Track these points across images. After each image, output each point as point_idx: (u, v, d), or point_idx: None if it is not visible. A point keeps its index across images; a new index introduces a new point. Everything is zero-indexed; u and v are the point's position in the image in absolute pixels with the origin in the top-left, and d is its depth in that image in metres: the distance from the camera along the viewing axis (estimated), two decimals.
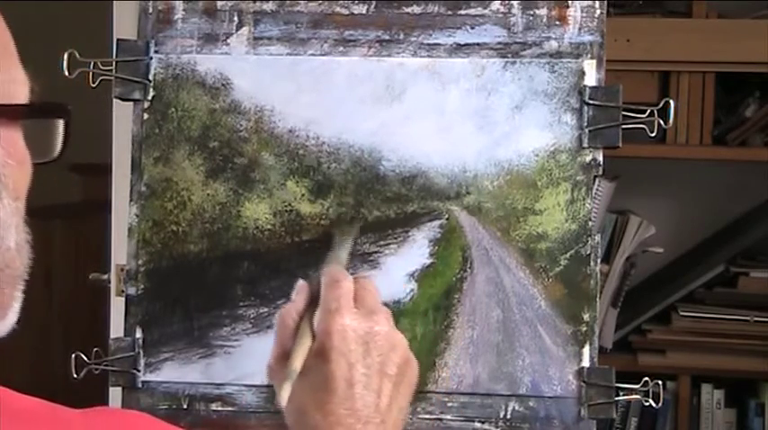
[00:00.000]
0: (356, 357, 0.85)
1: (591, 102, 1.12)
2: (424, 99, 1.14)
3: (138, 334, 1.14)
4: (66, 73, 1.10)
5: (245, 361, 1.12)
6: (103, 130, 2.00)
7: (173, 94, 1.16)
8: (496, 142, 1.13)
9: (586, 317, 1.11)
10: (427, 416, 1.11)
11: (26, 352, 3.59)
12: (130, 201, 1.15)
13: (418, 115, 1.14)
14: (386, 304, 1.12)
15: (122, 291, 1.29)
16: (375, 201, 1.13)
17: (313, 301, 0.91)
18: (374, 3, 1.16)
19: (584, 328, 1.11)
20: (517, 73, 1.14)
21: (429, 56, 1.15)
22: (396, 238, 1.13)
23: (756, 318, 2.03)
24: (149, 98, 1.16)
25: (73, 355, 1.12)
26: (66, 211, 3.91)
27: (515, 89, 1.13)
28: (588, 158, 1.12)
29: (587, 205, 1.12)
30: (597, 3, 1.14)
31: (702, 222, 2.23)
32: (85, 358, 1.13)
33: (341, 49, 1.15)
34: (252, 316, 1.12)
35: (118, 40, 1.18)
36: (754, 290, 2.08)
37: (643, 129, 1.11)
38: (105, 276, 2.08)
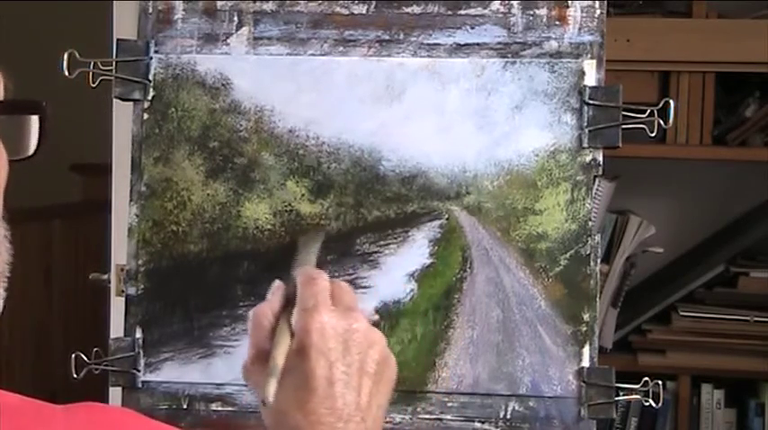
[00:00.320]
0: (336, 355, 0.85)
1: (591, 102, 1.12)
2: (424, 99, 1.14)
3: (138, 334, 1.14)
4: (66, 73, 1.10)
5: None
6: (103, 130, 2.00)
7: (173, 94, 1.16)
8: (496, 142, 1.13)
9: (586, 317, 1.11)
10: (427, 416, 1.11)
11: (26, 352, 3.59)
12: (130, 201, 1.15)
13: (418, 115, 1.14)
14: (386, 304, 1.12)
15: (122, 291, 1.29)
16: (375, 201, 1.13)
17: (288, 301, 0.90)
18: (374, 3, 1.16)
19: (584, 328, 1.11)
20: (517, 73, 1.14)
21: (429, 56, 1.15)
22: (396, 238, 1.13)
23: (756, 318, 2.03)
24: (149, 98, 1.16)
25: (73, 355, 1.12)
26: (66, 211, 3.92)
27: (515, 89, 1.13)
28: (588, 158, 1.12)
29: (587, 205, 1.12)
30: (597, 3, 1.14)
31: (702, 222, 2.23)
32: (85, 358, 1.13)
33: (341, 49, 1.15)
34: None
35: (118, 40, 1.18)
36: (754, 290, 2.08)
37: (643, 129, 1.11)
38: (105, 276, 2.08)
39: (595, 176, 1.13)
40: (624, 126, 1.12)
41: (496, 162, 1.13)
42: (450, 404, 1.11)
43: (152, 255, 1.14)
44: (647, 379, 1.11)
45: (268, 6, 1.17)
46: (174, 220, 1.14)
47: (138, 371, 1.14)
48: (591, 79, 1.13)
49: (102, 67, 1.15)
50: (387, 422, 1.11)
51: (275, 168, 1.14)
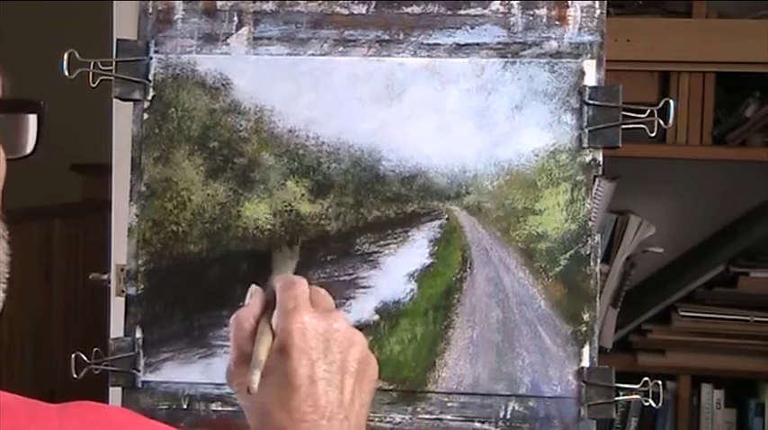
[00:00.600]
0: (317, 354, 0.86)
1: (591, 102, 1.12)
2: (424, 99, 1.14)
3: (138, 334, 1.14)
4: (66, 73, 1.10)
5: None
6: (103, 130, 2.00)
7: (173, 93, 1.16)
8: (496, 142, 1.13)
9: (586, 317, 1.11)
10: (427, 416, 1.11)
11: (26, 352, 3.59)
12: (130, 201, 1.15)
13: (418, 115, 1.14)
14: (386, 304, 1.12)
15: (122, 291, 1.29)
16: (375, 201, 1.13)
17: (268, 305, 0.91)
18: (374, 3, 1.16)
19: (584, 328, 1.11)
20: (517, 73, 1.14)
21: (429, 56, 1.15)
22: (396, 238, 1.13)
23: (756, 318, 2.03)
24: (149, 98, 1.16)
25: (73, 355, 1.12)
26: (66, 211, 3.92)
27: (515, 89, 1.13)
28: (588, 158, 1.12)
29: (587, 205, 1.12)
30: (597, 3, 1.14)
31: (702, 222, 2.23)
32: (85, 358, 1.13)
33: (341, 49, 1.15)
34: None
35: (118, 40, 1.18)
36: (754, 290, 2.08)
37: (643, 129, 1.11)
38: (105, 276, 2.08)
39: (595, 176, 1.13)
40: (624, 126, 1.12)
41: (496, 162, 1.13)
42: (450, 404, 1.11)
43: (152, 255, 1.14)
44: (646, 379, 1.11)
45: (268, 6, 1.17)
46: (174, 220, 1.14)
47: (138, 371, 1.14)
48: (591, 79, 1.13)
49: (102, 67, 1.15)
50: (387, 422, 1.11)
51: (275, 168, 1.14)
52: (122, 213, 1.23)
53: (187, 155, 1.15)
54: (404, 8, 1.16)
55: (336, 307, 0.94)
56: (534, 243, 1.12)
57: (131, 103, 1.17)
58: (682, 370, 2.07)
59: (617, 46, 1.94)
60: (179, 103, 1.16)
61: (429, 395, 1.11)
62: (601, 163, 1.12)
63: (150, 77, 1.16)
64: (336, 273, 1.11)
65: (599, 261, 1.12)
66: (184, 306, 1.14)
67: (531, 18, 1.14)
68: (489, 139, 1.13)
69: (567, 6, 1.14)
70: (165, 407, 1.13)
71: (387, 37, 1.15)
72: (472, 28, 1.15)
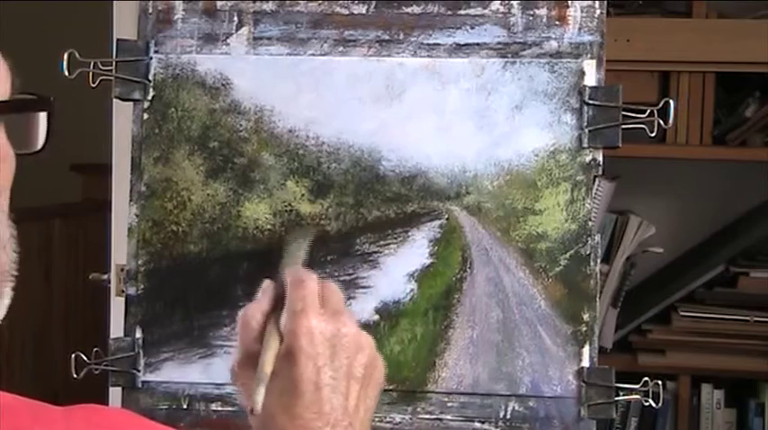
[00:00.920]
0: (324, 360, 0.84)
1: (591, 102, 1.12)
2: (424, 99, 1.14)
3: (138, 334, 1.14)
4: (66, 73, 1.10)
5: None
6: (103, 130, 2.00)
7: (173, 94, 1.16)
8: (496, 142, 1.13)
9: (586, 317, 1.11)
10: (427, 416, 1.11)
11: (26, 352, 3.59)
12: (130, 201, 1.15)
13: (418, 115, 1.14)
14: (386, 304, 1.12)
15: (122, 291, 1.29)
16: (375, 201, 1.13)
17: (278, 302, 0.90)
18: (374, 3, 1.16)
19: (584, 328, 1.11)
20: (517, 73, 1.14)
21: (429, 56, 1.15)
22: (396, 238, 1.13)
23: (756, 318, 2.03)
24: (149, 98, 1.16)
25: (73, 355, 1.12)
26: (66, 211, 3.92)
27: (515, 89, 1.13)
28: (588, 158, 1.12)
29: (587, 205, 1.12)
30: (597, 3, 1.14)
31: (702, 222, 2.23)
32: (85, 358, 1.13)
33: (341, 49, 1.15)
34: None
35: (118, 40, 1.18)
36: (754, 290, 2.07)
37: (643, 129, 1.11)
38: (105, 276, 2.08)
39: (595, 176, 1.13)
40: (624, 126, 1.12)
41: (496, 162, 1.13)
42: (450, 404, 1.11)
43: (152, 255, 1.14)
44: (646, 379, 1.11)
45: (268, 6, 1.17)
46: (174, 220, 1.14)
47: (138, 371, 1.14)
48: (591, 79, 1.13)
49: (102, 67, 1.15)
50: (387, 422, 1.11)
51: (275, 168, 1.14)
52: (122, 213, 1.23)
53: (187, 155, 1.15)
54: (404, 8, 1.16)
55: None
56: (534, 243, 1.12)
57: (131, 103, 1.17)
58: (682, 370, 2.07)
59: (617, 46, 1.94)
60: (179, 103, 1.16)
61: (429, 395, 1.11)
62: (601, 163, 1.12)
63: (150, 77, 1.16)
64: (336, 273, 1.11)
65: (599, 261, 1.12)
66: (184, 306, 1.14)
67: (531, 18, 1.14)
68: (489, 139, 1.13)
69: (567, 6, 1.14)
70: (165, 407, 1.13)
71: (387, 37, 1.15)
72: (472, 28, 1.15)
